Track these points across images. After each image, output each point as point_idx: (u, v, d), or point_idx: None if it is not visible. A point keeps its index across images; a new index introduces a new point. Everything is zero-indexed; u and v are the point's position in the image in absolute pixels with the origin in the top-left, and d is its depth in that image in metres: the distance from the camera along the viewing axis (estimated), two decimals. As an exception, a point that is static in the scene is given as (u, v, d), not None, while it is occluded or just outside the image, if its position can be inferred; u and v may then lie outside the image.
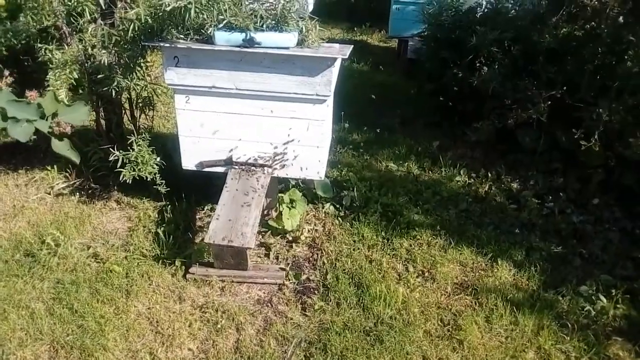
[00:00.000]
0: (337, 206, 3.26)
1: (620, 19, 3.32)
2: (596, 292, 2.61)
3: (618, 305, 2.53)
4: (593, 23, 3.48)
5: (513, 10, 4.24)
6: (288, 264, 2.76)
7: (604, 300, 2.54)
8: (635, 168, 3.33)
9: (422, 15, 4.80)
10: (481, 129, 3.88)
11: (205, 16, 2.30)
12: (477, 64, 3.80)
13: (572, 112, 3.46)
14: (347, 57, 2.59)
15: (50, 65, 2.80)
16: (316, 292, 2.58)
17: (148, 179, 2.75)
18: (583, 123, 3.34)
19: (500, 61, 3.75)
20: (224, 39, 2.43)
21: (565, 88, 3.49)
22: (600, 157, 3.38)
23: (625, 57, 3.40)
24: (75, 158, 2.86)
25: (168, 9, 2.20)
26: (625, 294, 2.59)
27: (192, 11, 2.20)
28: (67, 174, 3.33)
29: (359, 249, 2.91)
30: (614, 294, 2.57)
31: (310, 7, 7.83)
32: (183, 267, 2.64)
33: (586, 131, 3.28)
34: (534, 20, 3.80)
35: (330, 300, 2.51)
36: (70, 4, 2.67)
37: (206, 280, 2.55)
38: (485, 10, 4.50)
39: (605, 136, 3.24)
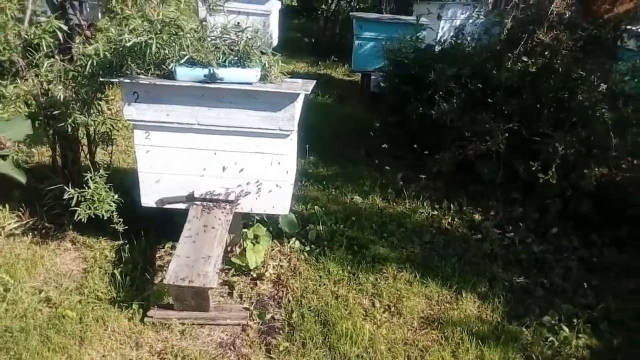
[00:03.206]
0: (303, 241, 3.22)
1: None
2: (559, 322, 2.65)
3: (580, 335, 2.57)
4: (546, 58, 3.65)
5: (470, 47, 4.41)
6: (252, 302, 2.69)
7: (567, 330, 2.58)
8: (590, 198, 3.46)
9: (382, 52, 4.94)
10: (442, 160, 3.96)
11: (166, 52, 2.28)
12: (437, 98, 3.91)
13: (530, 144, 3.59)
14: (309, 92, 2.60)
15: (2, 100, 2.70)
16: (281, 332, 2.51)
17: (105, 218, 2.65)
18: (540, 155, 3.45)
19: (458, 95, 3.87)
20: (186, 75, 2.41)
21: (521, 121, 3.62)
22: (558, 188, 3.49)
23: (577, 91, 3.57)
24: (21, 177, 2.70)
25: (128, 44, 2.16)
26: (586, 323, 2.64)
27: (154, 47, 2.18)
28: (19, 213, 3.17)
29: (324, 284, 2.87)
30: (575, 323, 2.61)
31: (275, 42, 7.94)
32: (141, 310, 2.52)
33: (543, 163, 3.39)
34: (490, 57, 3.96)
35: (296, 340, 2.44)
36: (27, 37, 2.60)
37: (165, 324, 2.44)
38: (444, 46, 4.67)
39: (561, 167, 3.35)
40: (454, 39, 4.64)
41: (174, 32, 2.25)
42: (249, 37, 2.53)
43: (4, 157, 2.66)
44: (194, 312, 2.47)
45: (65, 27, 2.62)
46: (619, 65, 3.64)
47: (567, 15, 3.55)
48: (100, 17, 3.14)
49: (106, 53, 2.33)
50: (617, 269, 3.16)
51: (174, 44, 2.32)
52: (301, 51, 9.14)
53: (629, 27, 3.77)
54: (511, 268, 3.14)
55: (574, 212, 3.55)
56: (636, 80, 3.43)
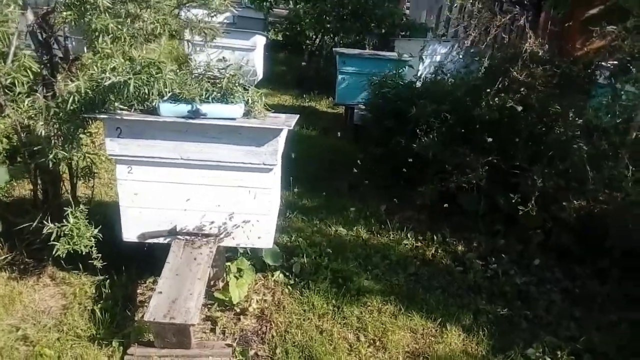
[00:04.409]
0: (287, 274, 3.20)
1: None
2: (543, 354, 2.65)
3: (564, 368, 2.57)
4: (522, 95, 3.76)
5: (449, 83, 4.52)
6: (235, 338, 2.64)
7: (551, 362, 2.58)
8: (571, 230, 3.51)
9: (365, 86, 5.04)
10: (425, 192, 4.01)
11: (146, 90, 2.30)
12: (418, 132, 3.98)
13: (510, 177, 3.66)
14: (292, 127, 2.64)
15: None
16: (264, 368, 2.47)
17: (83, 253, 2.61)
18: (519, 188, 3.52)
19: (439, 130, 3.95)
20: (170, 111, 2.43)
21: (500, 154, 3.70)
22: (538, 220, 3.54)
23: (554, 125, 3.68)
24: None
25: (107, 83, 2.19)
26: (570, 356, 2.63)
27: (131, 87, 2.20)
28: (-3, 249, 3.11)
29: (309, 318, 2.84)
30: (559, 355, 2.61)
31: (260, 76, 8.04)
32: (121, 348, 2.46)
33: (523, 195, 3.45)
34: (468, 92, 4.06)
35: (279, 377, 2.40)
36: (1, 75, 2.60)
37: (146, 362, 2.38)
38: (424, 81, 4.79)
39: (541, 199, 3.41)
40: (433, 75, 4.77)
41: (153, 72, 2.28)
42: (232, 73, 2.57)
43: None
44: (175, 349, 2.41)
45: (36, 67, 2.63)
46: (592, 100, 3.76)
47: (540, 53, 3.69)
48: (85, 50, 3.17)
49: (87, 90, 2.35)
50: (599, 301, 3.19)
51: (152, 83, 2.34)
52: (286, 84, 9.28)
53: (602, 63, 3.92)
54: (495, 300, 3.15)
55: (555, 244, 3.59)
56: (609, 115, 3.54)
